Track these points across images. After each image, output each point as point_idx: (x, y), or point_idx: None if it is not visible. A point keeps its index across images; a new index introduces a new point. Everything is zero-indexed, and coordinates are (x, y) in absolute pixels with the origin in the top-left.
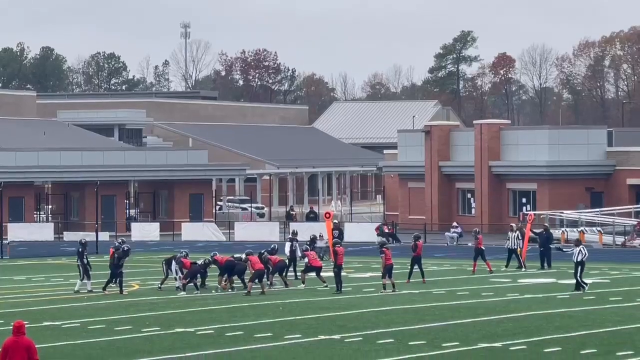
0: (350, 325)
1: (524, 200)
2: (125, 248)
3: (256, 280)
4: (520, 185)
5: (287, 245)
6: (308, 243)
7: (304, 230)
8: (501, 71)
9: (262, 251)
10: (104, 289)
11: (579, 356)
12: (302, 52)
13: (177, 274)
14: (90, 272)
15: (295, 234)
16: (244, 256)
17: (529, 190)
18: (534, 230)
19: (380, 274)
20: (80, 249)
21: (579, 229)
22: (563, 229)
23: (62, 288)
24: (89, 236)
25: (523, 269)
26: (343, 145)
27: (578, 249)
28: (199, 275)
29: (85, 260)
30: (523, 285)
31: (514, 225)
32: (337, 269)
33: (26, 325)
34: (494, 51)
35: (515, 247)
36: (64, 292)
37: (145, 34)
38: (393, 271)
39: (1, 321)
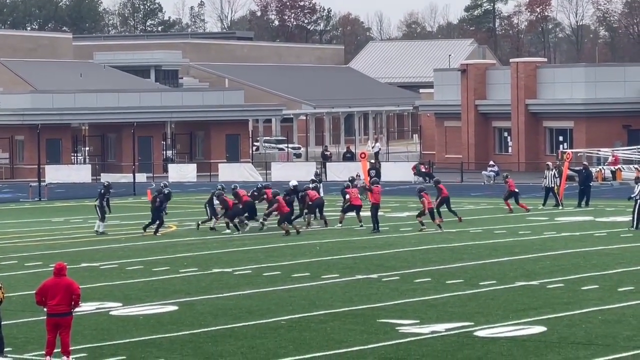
0: (387, 265)
1: (560, 138)
2: (167, 191)
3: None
4: (556, 123)
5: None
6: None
7: (341, 170)
8: (537, 9)
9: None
10: (144, 229)
11: (616, 293)
12: None
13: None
14: (106, 215)
15: (318, 175)
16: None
17: (565, 129)
18: (573, 169)
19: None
20: (102, 191)
21: (617, 167)
22: (600, 167)
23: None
24: (125, 177)
25: (560, 207)
26: (379, 84)
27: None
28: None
29: (104, 203)
30: (560, 223)
31: (550, 163)
32: (374, 208)
33: (66, 267)
34: None
35: (552, 185)
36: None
37: None
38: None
39: (40, 263)
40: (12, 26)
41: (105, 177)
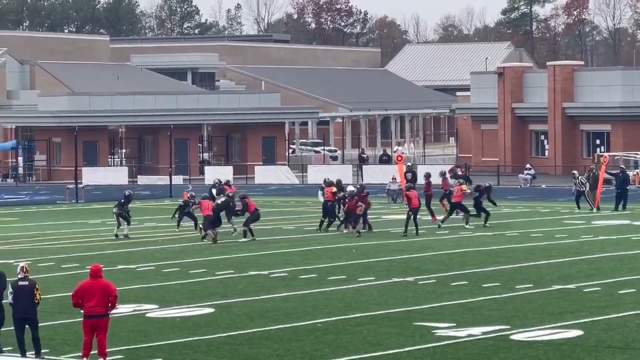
0: (424, 268)
1: (597, 141)
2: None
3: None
4: (594, 126)
5: (320, 192)
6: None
7: (377, 173)
8: (574, 12)
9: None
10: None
11: None
12: None
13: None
14: (122, 221)
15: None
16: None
17: (602, 132)
18: (610, 172)
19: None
20: (122, 200)
21: None
22: (637, 170)
23: (136, 232)
24: (162, 180)
25: (594, 210)
26: (415, 87)
27: None
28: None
29: (121, 212)
30: (597, 227)
31: (575, 172)
32: (412, 212)
33: (102, 269)
34: None
35: (582, 189)
36: (138, 236)
37: None
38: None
39: (77, 264)
40: (49, 29)
41: (142, 180)
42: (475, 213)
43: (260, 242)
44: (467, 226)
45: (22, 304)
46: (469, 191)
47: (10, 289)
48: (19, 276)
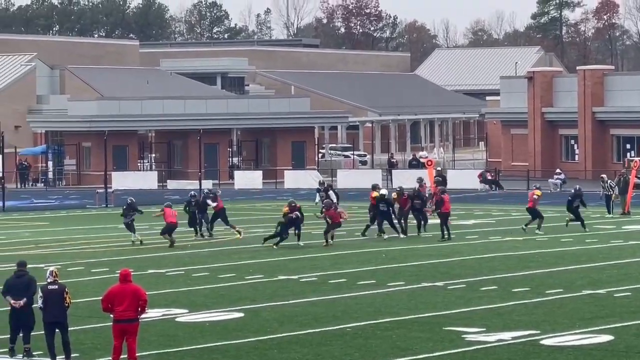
0: (453, 272)
1: (627, 146)
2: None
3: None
4: (624, 131)
5: (317, 195)
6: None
7: (406, 178)
8: (604, 16)
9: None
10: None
11: None
12: None
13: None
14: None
15: (322, 183)
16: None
17: (633, 136)
18: None
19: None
20: (125, 208)
21: None
22: None
23: (166, 236)
24: (191, 184)
25: (621, 212)
26: (445, 92)
27: None
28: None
29: (127, 220)
30: (627, 232)
31: (604, 176)
32: (444, 216)
33: (132, 273)
34: None
35: (610, 193)
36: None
37: None
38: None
39: (106, 269)
40: (79, 33)
41: (172, 184)
42: (574, 218)
43: (289, 246)
44: (538, 232)
45: (52, 308)
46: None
47: (40, 293)
48: (49, 280)
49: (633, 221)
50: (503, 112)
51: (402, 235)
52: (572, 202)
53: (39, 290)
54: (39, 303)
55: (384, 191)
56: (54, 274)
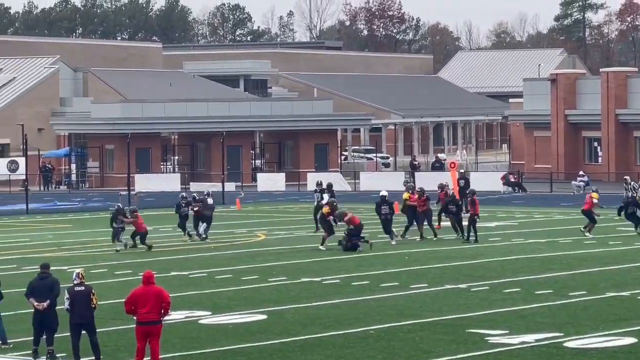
0: (476, 275)
1: None
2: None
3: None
4: None
5: (316, 196)
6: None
7: (430, 180)
8: (628, 18)
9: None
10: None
11: None
12: (426, 1)
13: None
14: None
15: (319, 184)
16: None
17: None
18: None
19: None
20: (113, 212)
21: None
22: None
23: (189, 238)
24: (215, 186)
25: None
26: (468, 94)
27: None
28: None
29: (118, 228)
30: None
31: (627, 178)
32: (473, 218)
33: (155, 275)
34: None
35: (636, 195)
36: (191, 243)
37: None
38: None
39: (129, 271)
40: (102, 36)
41: (195, 187)
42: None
43: (312, 249)
44: (588, 235)
45: (79, 309)
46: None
47: (66, 295)
48: (75, 282)
49: None
50: (526, 114)
51: (393, 243)
52: (624, 208)
53: (65, 291)
54: (65, 305)
55: (384, 192)
56: (80, 275)
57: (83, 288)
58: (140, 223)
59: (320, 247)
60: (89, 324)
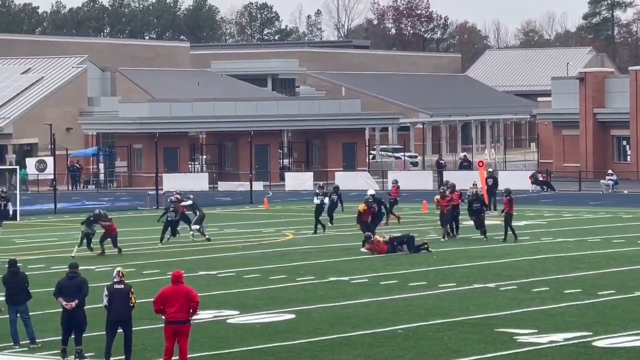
0: (505, 274)
1: None
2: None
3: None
4: None
5: (315, 197)
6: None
7: (458, 179)
8: None
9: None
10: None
11: None
12: (455, 0)
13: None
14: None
15: (322, 187)
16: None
17: None
18: None
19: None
20: (91, 218)
21: None
22: None
23: (217, 238)
24: (242, 186)
25: None
26: (496, 93)
27: None
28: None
29: (90, 231)
30: None
31: None
32: (508, 217)
33: (183, 275)
34: None
35: None
36: (220, 242)
37: None
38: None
39: (157, 271)
40: (130, 35)
41: (223, 186)
42: None
43: (341, 248)
44: None
45: (117, 307)
46: None
47: (105, 292)
48: (115, 280)
49: None
50: (554, 113)
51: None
52: None
53: (105, 289)
54: (103, 301)
55: (371, 191)
56: (120, 274)
57: (122, 286)
58: (113, 225)
59: (362, 250)
60: (127, 322)
